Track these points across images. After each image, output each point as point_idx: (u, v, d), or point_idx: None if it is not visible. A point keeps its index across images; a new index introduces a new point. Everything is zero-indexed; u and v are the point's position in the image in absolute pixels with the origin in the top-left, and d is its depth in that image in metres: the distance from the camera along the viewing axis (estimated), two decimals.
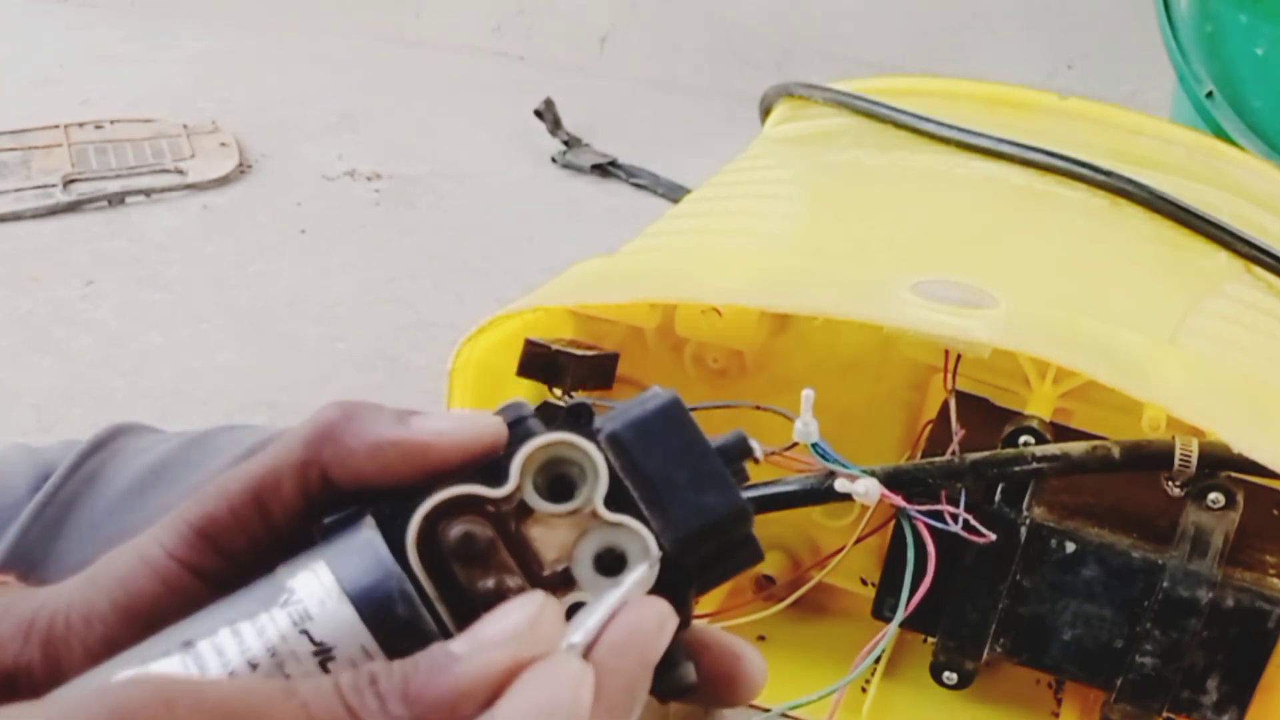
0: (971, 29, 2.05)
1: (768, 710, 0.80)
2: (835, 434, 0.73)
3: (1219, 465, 0.74)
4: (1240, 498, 0.75)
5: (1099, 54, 2.00)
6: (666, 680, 0.29)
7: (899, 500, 0.73)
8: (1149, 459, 0.75)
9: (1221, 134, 1.32)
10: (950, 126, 0.95)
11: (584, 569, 0.29)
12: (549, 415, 0.31)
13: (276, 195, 1.71)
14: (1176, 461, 0.73)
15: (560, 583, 0.29)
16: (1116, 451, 0.74)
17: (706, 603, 0.91)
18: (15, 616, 0.31)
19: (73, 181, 1.66)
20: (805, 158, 1.01)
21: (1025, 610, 0.79)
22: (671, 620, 0.28)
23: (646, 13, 2.19)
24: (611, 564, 0.29)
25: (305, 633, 0.28)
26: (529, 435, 0.30)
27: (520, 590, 0.28)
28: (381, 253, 1.58)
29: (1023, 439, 0.77)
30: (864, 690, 0.87)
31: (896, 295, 0.72)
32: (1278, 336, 0.79)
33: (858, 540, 0.83)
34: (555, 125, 1.90)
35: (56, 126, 1.78)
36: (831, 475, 0.73)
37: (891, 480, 0.73)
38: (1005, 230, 0.88)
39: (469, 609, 0.28)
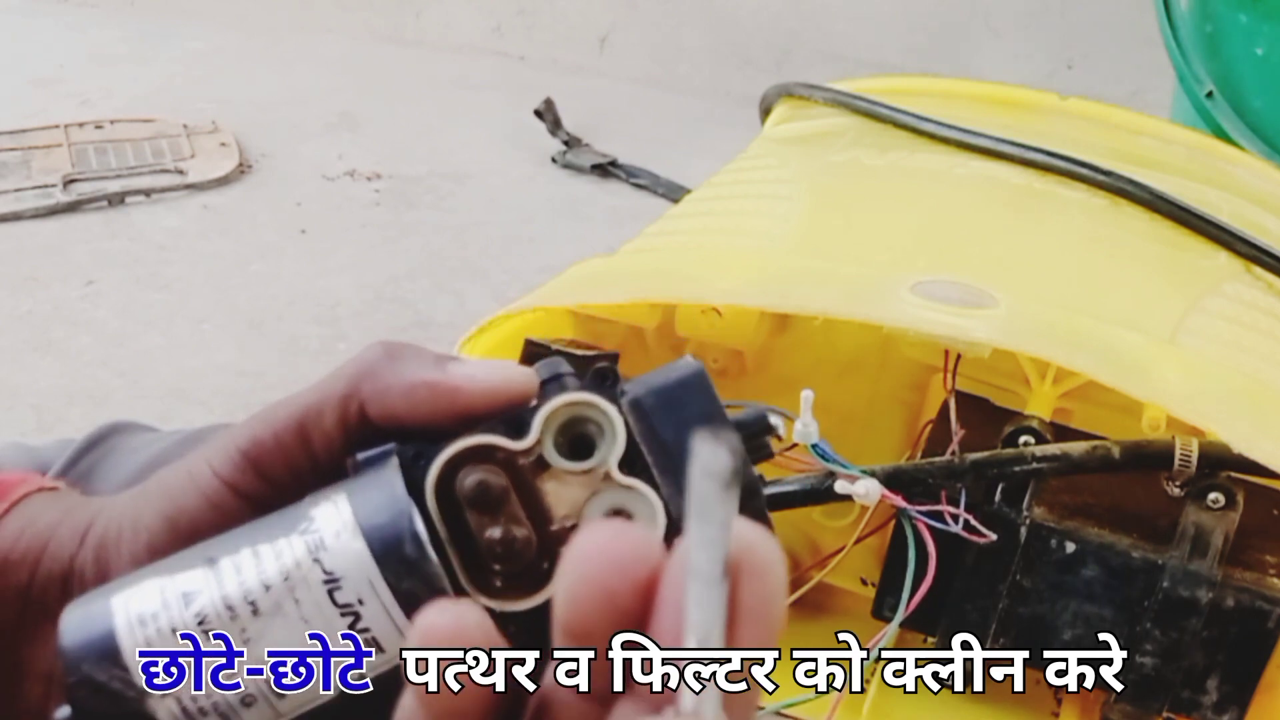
0: (971, 29, 2.05)
1: (762, 709, 0.80)
2: (835, 434, 0.73)
3: (1219, 465, 0.74)
4: (1240, 498, 0.75)
5: (1099, 54, 2.00)
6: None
7: (899, 500, 0.73)
8: (1149, 459, 0.75)
9: (1221, 134, 1.32)
10: (950, 126, 0.95)
11: None
12: (582, 373, 0.31)
13: (276, 195, 1.71)
14: (1176, 461, 0.73)
15: (567, 538, 0.29)
16: (1116, 451, 0.74)
17: None
18: (74, 521, 0.33)
19: (73, 181, 1.66)
20: (805, 158, 1.01)
21: (1025, 610, 0.79)
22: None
23: (646, 13, 2.19)
24: None
25: (318, 561, 0.28)
26: (559, 393, 0.30)
27: (526, 542, 0.29)
28: (381, 253, 1.58)
29: (1023, 439, 0.77)
30: (864, 690, 0.87)
31: (896, 295, 0.72)
32: (1278, 336, 0.79)
33: (858, 540, 0.83)
34: (555, 125, 1.90)
35: (56, 126, 1.78)
36: (831, 475, 0.73)
37: (891, 480, 0.73)
38: (1005, 230, 0.88)
39: (477, 556, 0.29)
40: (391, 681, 0.28)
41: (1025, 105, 1.05)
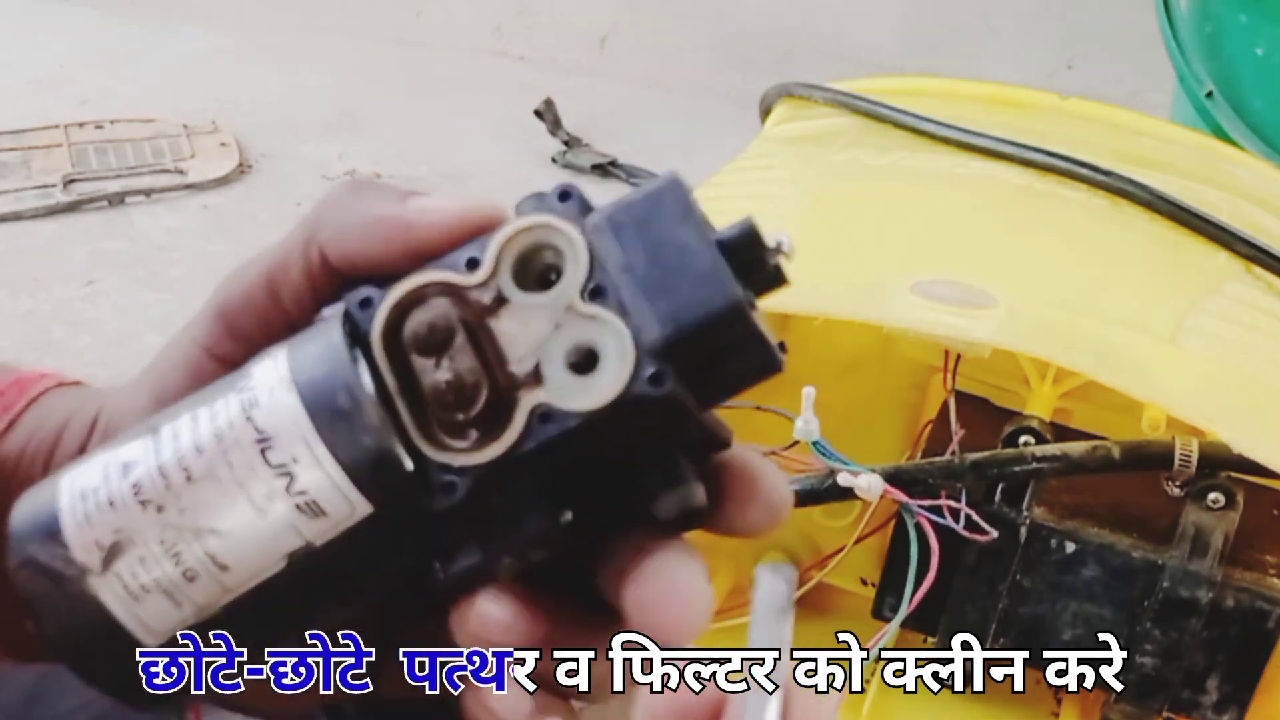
0: (971, 29, 2.05)
1: None
2: (835, 434, 0.73)
3: (1219, 465, 0.74)
4: (1240, 498, 0.75)
5: (1099, 54, 1.99)
6: (672, 500, 0.27)
7: (901, 495, 0.73)
8: (1149, 459, 0.75)
9: (1221, 134, 1.32)
10: (950, 126, 0.95)
11: (554, 366, 0.26)
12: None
13: (276, 195, 1.71)
14: (1176, 461, 0.73)
15: (526, 380, 0.26)
16: (1116, 451, 0.74)
17: None
18: (84, 413, 0.33)
19: (73, 181, 1.66)
20: (805, 158, 1.01)
21: (1025, 610, 0.79)
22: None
23: (646, 13, 2.19)
24: (584, 362, 0.26)
25: (250, 420, 0.26)
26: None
27: (476, 384, 0.26)
28: None
29: (1023, 439, 0.77)
30: (864, 690, 0.87)
31: (896, 295, 0.72)
32: (1278, 336, 0.79)
33: (858, 540, 0.83)
34: (555, 125, 1.90)
35: (56, 126, 1.78)
36: (832, 475, 0.73)
37: (891, 480, 0.73)
38: (1005, 230, 0.88)
39: (423, 405, 0.26)
40: (343, 550, 0.26)
41: (1025, 105, 1.05)
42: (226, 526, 0.26)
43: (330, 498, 0.26)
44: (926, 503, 0.74)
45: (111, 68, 2.05)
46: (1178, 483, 0.76)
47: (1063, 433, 0.79)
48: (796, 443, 0.72)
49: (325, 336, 0.27)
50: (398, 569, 0.27)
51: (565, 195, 0.27)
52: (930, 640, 0.84)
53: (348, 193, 0.30)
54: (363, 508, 0.26)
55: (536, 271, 0.27)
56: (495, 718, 0.28)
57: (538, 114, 1.91)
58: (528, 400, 0.26)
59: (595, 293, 0.26)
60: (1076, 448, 0.74)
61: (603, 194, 1.86)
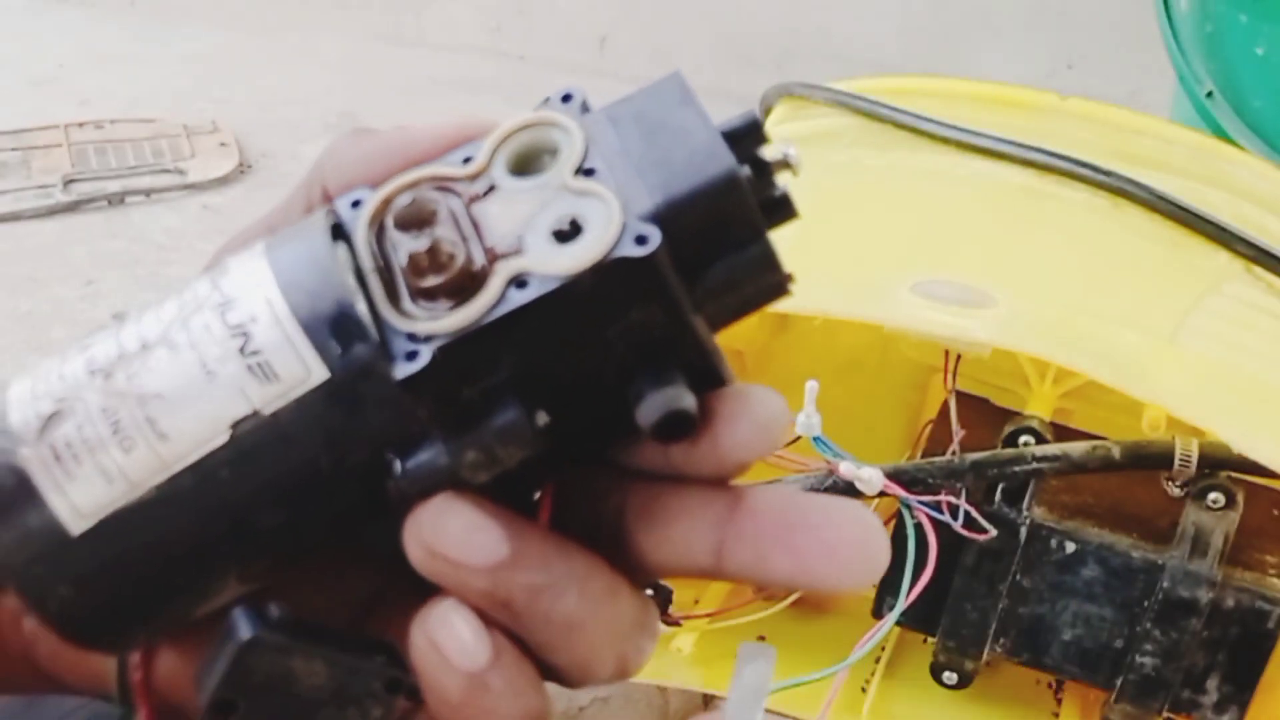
0: (971, 29, 2.05)
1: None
2: (835, 434, 0.73)
3: (1219, 465, 0.74)
4: (1240, 498, 0.75)
5: (1099, 54, 1.99)
6: (658, 401, 0.24)
7: (900, 491, 0.73)
8: (1149, 459, 0.75)
9: (1221, 134, 1.32)
10: (950, 126, 0.95)
11: (536, 236, 0.24)
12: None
13: (276, 195, 1.70)
14: (1176, 461, 0.73)
15: (507, 253, 0.24)
16: (1116, 451, 0.74)
17: (706, 602, 0.91)
18: None
19: (73, 181, 1.66)
20: (805, 158, 1.01)
21: (1025, 610, 0.79)
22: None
23: (646, 13, 2.19)
24: (569, 231, 0.24)
25: (216, 287, 0.25)
26: None
27: (450, 254, 0.24)
28: None
29: (1023, 439, 0.77)
30: (864, 690, 0.87)
31: (896, 295, 0.72)
32: (1278, 336, 0.79)
33: None
34: None
35: (56, 126, 1.77)
36: (832, 474, 0.73)
37: (892, 480, 0.73)
38: (1005, 230, 0.88)
39: (395, 277, 0.25)
40: (296, 423, 0.25)
41: (1025, 105, 1.05)
42: (171, 390, 0.25)
43: (285, 358, 0.24)
44: (926, 499, 0.74)
45: (111, 68, 2.05)
46: (1178, 483, 0.76)
47: (1063, 433, 0.79)
48: (798, 438, 0.72)
49: (305, 221, 0.26)
50: (351, 460, 0.25)
51: (567, 98, 0.27)
52: (930, 640, 0.84)
53: (348, 136, 0.29)
54: (319, 371, 0.24)
55: (533, 167, 0.26)
56: (443, 657, 0.25)
57: None
58: (505, 269, 0.24)
59: (587, 173, 0.25)
60: (1076, 448, 0.74)
61: None
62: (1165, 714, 0.80)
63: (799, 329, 0.91)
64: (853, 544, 0.25)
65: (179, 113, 1.86)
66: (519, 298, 0.24)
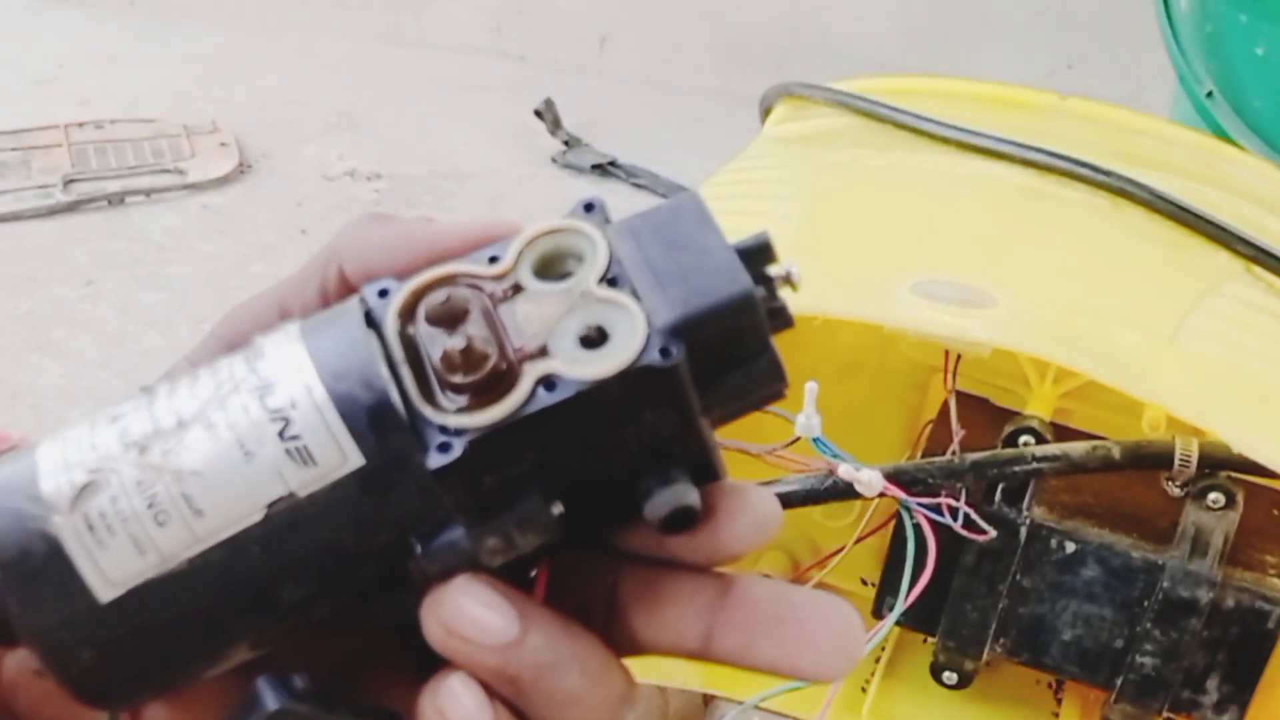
0: (971, 29, 2.05)
1: (740, 703, 0.80)
2: (835, 434, 0.73)
3: (1219, 465, 0.74)
4: (1240, 498, 0.75)
5: (1099, 54, 2.00)
6: (666, 497, 0.26)
7: (899, 492, 0.73)
8: (1149, 459, 0.75)
9: (1221, 134, 1.32)
10: (950, 126, 0.95)
11: (563, 340, 0.26)
12: None
13: (276, 195, 1.71)
14: (1176, 461, 0.73)
15: (534, 354, 0.26)
16: (1116, 451, 0.74)
17: None
18: None
19: (73, 181, 1.66)
20: (805, 158, 1.01)
21: (1025, 610, 0.79)
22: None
23: (646, 13, 2.19)
24: (595, 338, 0.26)
25: (254, 370, 0.26)
26: None
27: (484, 352, 0.25)
28: None
29: (1023, 439, 0.77)
30: (864, 690, 0.87)
31: (896, 295, 0.72)
32: (1278, 336, 0.79)
33: (858, 540, 0.83)
34: (555, 125, 1.90)
35: (56, 126, 1.78)
36: (832, 475, 0.73)
37: (892, 480, 0.73)
38: (1005, 230, 0.88)
39: (428, 371, 0.26)
40: (329, 506, 0.26)
41: (1025, 105, 1.05)
42: (209, 469, 0.26)
43: (323, 444, 0.25)
44: (925, 500, 0.74)
45: (111, 68, 2.05)
46: (1178, 483, 0.76)
47: (1063, 433, 0.79)
48: (797, 439, 0.72)
49: (339, 308, 0.27)
50: (377, 542, 0.26)
51: (589, 207, 0.28)
52: (930, 640, 0.84)
53: (366, 220, 0.30)
54: (355, 458, 0.25)
55: (557, 271, 0.27)
56: None
57: (538, 114, 1.91)
58: (534, 370, 0.26)
59: (611, 282, 0.26)
60: (1076, 448, 0.74)
61: (602, 194, 1.87)
62: (1165, 714, 0.80)
63: (799, 329, 0.91)
64: (835, 639, 0.27)
65: (179, 113, 1.86)
66: (548, 398, 0.25)
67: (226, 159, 1.76)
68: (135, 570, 0.26)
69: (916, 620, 0.83)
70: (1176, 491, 0.77)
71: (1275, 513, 0.80)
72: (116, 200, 1.64)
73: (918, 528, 0.74)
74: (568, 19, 2.23)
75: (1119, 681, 0.79)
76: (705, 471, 0.27)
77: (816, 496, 0.75)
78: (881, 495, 0.73)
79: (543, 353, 0.26)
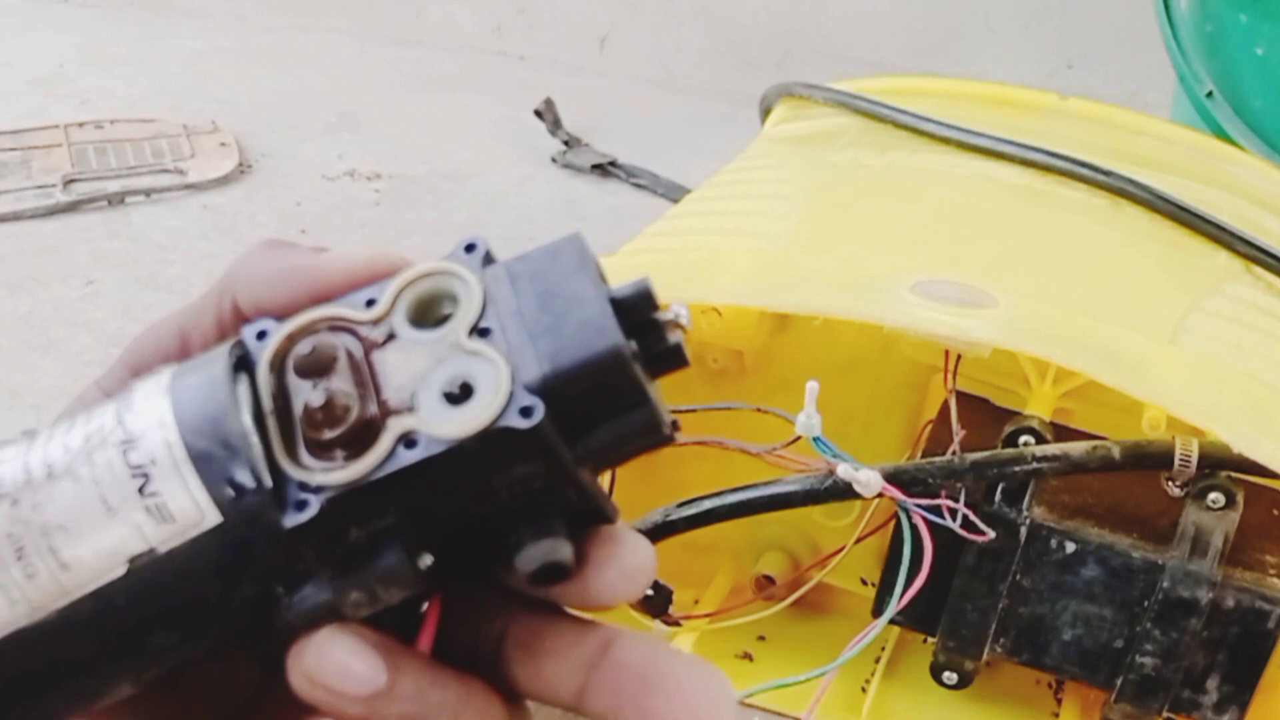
0: (971, 29, 2.05)
1: (743, 700, 0.80)
2: (835, 434, 0.73)
3: (1219, 465, 0.74)
4: (1240, 498, 0.75)
5: (1099, 54, 1.99)
6: (536, 552, 0.26)
7: (897, 493, 0.73)
8: (1149, 459, 0.75)
9: (1221, 134, 1.32)
10: (950, 126, 0.95)
11: (429, 394, 0.26)
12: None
13: (276, 195, 1.71)
14: (1176, 461, 0.73)
15: (400, 408, 0.26)
16: (1116, 451, 0.74)
17: (706, 602, 0.91)
18: None
19: (73, 181, 1.66)
20: (805, 158, 1.01)
21: (1025, 610, 0.79)
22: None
23: (646, 13, 2.19)
24: (459, 394, 0.26)
25: (120, 422, 0.26)
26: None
27: (346, 406, 0.25)
28: None
29: (1023, 439, 0.77)
30: (864, 690, 0.88)
31: (896, 295, 0.72)
32: (1278, 336, 0.79)
33: (858, 540, 0.83)
34: (555, 125, 1.90)
35: (56, 126, 1.77)
36: (832, 474, 0.73)
37: (892, 480, 0.73)
38: (1005, 230, 0.88)
39: (293, 425, 0.26)
40: (189, 560, 0.26)
41: (1025, 105, 1.05)
42: (75, 524, 0.26)
43: (180, 502, 0.26)
44: (923, 502, 0.74)
45: (111, 68, 2.05)
46: (1178, 483, 0.76)
47: (1063, 433, 0.79)
48: (798, 439, 0.72)
49: (210, 355, 0.27)
50: (241, 594, 0.26)
51: (470, 247, 0.28)
52: (930, 640, 0.84)
53: (262, 248, 0.30)
54: (212, 516, 0.26)
55: (432, 315, 0.27)
56: None
57: (538, 114, 1.91)
58: (396, 426, 0.26)
59: (482, 333, 0.26)
60: (1076, 448, 0.74)
61: (603, 193, 1.86)
62: (1165, 714, 0.80)
63: (799, 329, 0.91)
64: (697, 714, 0.26)
65: (179, 113, 1.86)
66: (407, 457, 0.25)
67: (226, 159, 1.76)
68: (6, 619, 0.26)
69: (916, 620, 0.83)
70: (1176, 491, 0.77)
71: (1275, 513, 0.80)
72: (116, 200, 1.64)
73: (914, 529, 0.74)
74: (568, 19, 2.23)
75: (1119, 681, 0.79)
76: (589, 517, 0.27)
77: (816, 496, 0.75)
78: (880, 496, 0.73)
79: (408, 408, 0.26)
